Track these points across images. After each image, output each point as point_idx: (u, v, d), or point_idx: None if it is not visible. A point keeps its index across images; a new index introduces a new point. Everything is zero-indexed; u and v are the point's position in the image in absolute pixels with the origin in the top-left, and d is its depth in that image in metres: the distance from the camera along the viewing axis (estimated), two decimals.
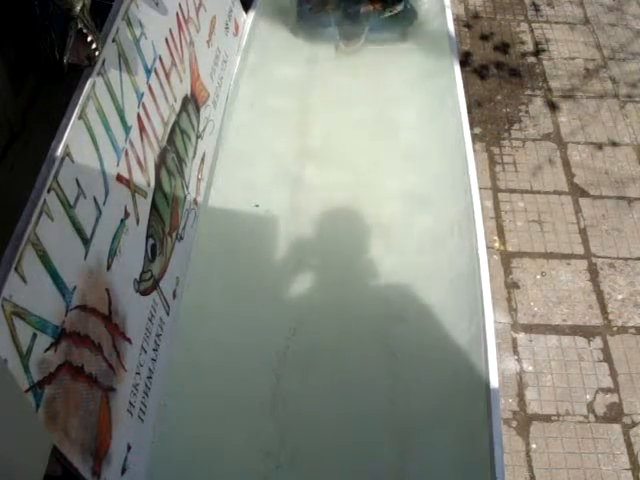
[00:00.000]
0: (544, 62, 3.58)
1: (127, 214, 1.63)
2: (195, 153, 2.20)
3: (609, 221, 2.86)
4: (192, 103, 2.17)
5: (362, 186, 2.57)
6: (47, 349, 1.22)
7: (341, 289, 2.26)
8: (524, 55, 3.62)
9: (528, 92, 3.41)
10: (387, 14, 3.14)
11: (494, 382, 1.80)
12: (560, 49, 3.65)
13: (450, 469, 1.84)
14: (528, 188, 2.97)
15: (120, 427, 1.55)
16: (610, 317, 2.54)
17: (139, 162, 1.72)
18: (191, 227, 2.15)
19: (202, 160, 2.28)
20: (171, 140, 1.97)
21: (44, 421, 1.19)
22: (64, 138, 1.35)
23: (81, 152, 1.41)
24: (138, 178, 1.71)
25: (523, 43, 3.69)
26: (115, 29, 1.61)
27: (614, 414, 2.30)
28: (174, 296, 1.98)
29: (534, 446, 2.22)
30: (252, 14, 2.89)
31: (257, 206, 2.42)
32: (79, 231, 1.39)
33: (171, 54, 1.99)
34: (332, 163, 2.65)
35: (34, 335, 1.18)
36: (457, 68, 2.68)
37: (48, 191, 1.27)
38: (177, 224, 2.02)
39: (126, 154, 1.64)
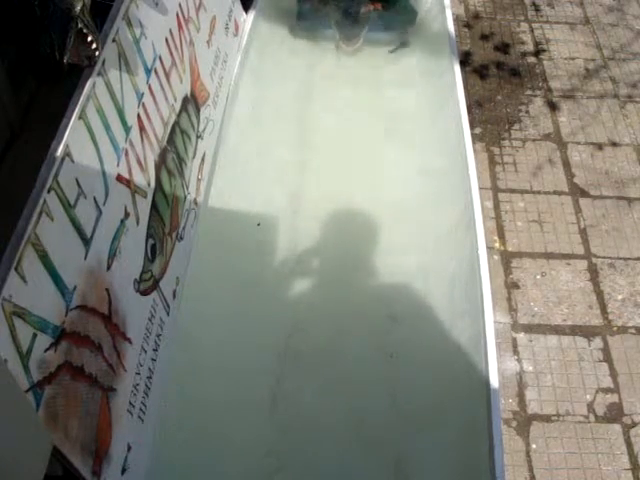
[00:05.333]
0: (544, 62, 3.58)
1: (127, 214, 1.63)
2: (195, 153, 2.20)
3: (609, 221, 2.86)
4: (192, 103, 2.17)
5: (362, 185, 2.57)
6: (47, 349, 1.22)
7: (341, 289, 2.26)
8: (524, 55, 3.62)
9: (528, 92, 3.41)
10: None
11: (494, 382, 1.80)
12: (560, 49, 3.65)
13: (450, 469, 1.84)
14: (528, 188, 2.97)
15: (120, 427, 1.55)
16: (610, 317, 2.54)
17: (139, 162, 1.72)
18: (191, 227, 2.15)
19: (202, 160, 2.28)
20: (171, 140, 1.97)
21: (44, 421, 1.19)
22: (64, 138, 1.35)
23: (81, 152, 1.41)
24: (138, 178, 1.71)
25: (523, 43, 3.69)
26: (115, 29, 1.61)
27: (614, 414, 2.30)
28: (174, 296, 1.98)
29: (534, 446, 2.22)
30: (252, 14, 2.89)
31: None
32: (79, 231, 1.39)
33: (171, 54, 1.99)
34: (332, 163, 2.65)
35: (34, 335, 1.18)
36: (457, 68, 2.68)
37: (48, 191, 1.27)
38: (177, 224, 2.02)
39: (126, 154, 1.64)
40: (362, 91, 2.95)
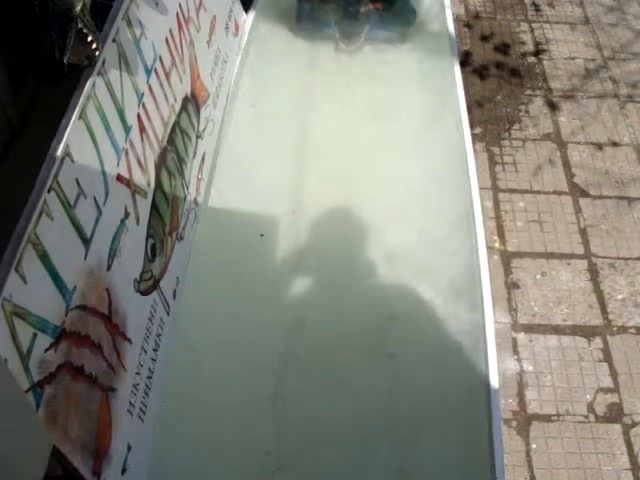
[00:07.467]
0: (544, 62, 3.58)
1: (127, 214, 1.63)
2: (195, 153, 2.20)
3: (609, 221, 2.86)
4: (192, 103, 2.17)
5: (361, 186, 2.57)
6: (47, 349, 1.22)
7: (341, 289, 2.26)
8: (524, 55, 3.62)
9: (528, 92, 3.41)
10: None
11: (494, 382, 1.80)
12: (560, 49, 3.65)
13: (450, 469, 1.84)
14: (528, 188, 2.97)
15: (120, 427, 1.55)
16: (610, 317, 2.54)
17: (139, 162, 1.72)
18: (191, 227, 2.15)
19: (202, 160, 2.28)
20: (171, 140, 1.97)
21: (44, 421, 1.19)
22: (64, 138, 1.35)
23: (81, 152, 1.41)
24: (138, 178, 1.71)
25: (523, 43, 3.69)
26: (115, 29, 1.61)
27: (614, 414, 2.30)
28: (174, 296, 1.98)
29: (534, 446, 2.22)
30: (252, 14, 2.89)
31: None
32: (79, 231, 1.39)
33: (171, 54, 1.99)
34: (332, 163, 2.65)
35: (34, 335, 1.18)
36: (457, 68, 2.68)
37: (48, 191, 1.27)
38: (177, 224, 2.02)
39: (126, 154, 1.64)
40: (362, 91, 2.95)
